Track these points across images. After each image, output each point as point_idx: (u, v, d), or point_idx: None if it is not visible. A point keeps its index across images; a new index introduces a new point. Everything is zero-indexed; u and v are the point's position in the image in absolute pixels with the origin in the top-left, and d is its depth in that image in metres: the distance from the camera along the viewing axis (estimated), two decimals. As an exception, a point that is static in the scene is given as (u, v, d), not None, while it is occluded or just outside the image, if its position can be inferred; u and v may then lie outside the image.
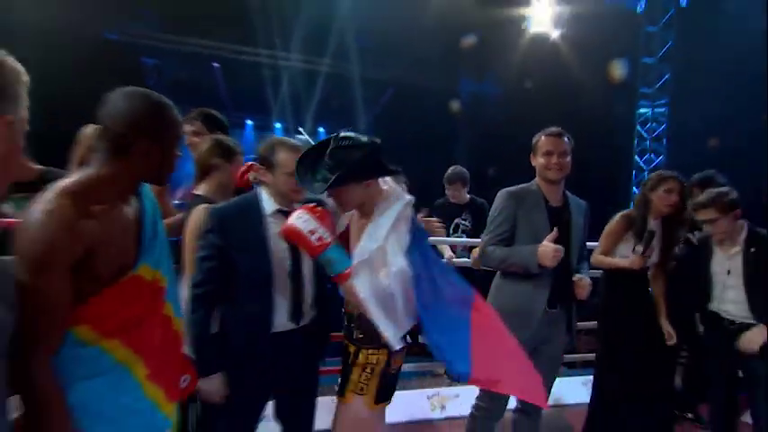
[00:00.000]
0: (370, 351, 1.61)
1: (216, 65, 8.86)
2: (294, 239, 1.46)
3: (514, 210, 1.99)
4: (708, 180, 2.74)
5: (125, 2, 7.38)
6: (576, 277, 1.98)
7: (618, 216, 2.54)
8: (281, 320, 1.64)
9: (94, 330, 1.06)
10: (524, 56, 7.58)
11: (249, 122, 10.59)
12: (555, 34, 7.38)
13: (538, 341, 1.96)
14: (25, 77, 0.92)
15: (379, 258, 1.45)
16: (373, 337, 1.54)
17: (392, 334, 1.45)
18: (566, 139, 2.04)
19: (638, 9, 7.23)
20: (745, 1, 6.31)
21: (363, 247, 1.45)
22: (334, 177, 1.42)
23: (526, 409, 2.10)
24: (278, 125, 10.77)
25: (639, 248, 2.36)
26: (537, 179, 2.09)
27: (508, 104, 8.10)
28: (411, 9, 7.11)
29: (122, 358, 1.09)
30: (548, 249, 1.80)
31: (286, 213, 1.59)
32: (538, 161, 2.05)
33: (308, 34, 7.94)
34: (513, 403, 2.19)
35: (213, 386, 1.60)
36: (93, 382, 1.05)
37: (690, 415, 3.01)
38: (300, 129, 10.79)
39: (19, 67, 0.91)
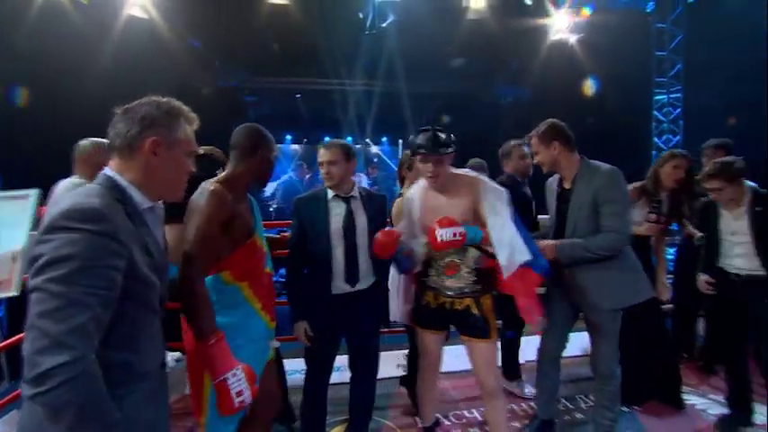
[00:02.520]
0: (486, 297, 1.95)
1: (298, 95, 10.58)
2: (449, 246, 1.80)
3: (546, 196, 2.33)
4: (721, 146, 2.94)
5: (227, 58, 9.16)
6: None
7: (631, 187, 2.57)
8: (339, 284, 1.98)
9: (232, 274, 1.56)
10: (549, 59, 8.53)
11: (326, 138, 12.02)
12: (572, 39, 8.36)
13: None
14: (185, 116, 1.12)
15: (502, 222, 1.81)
16: (489, 285, 1.93)
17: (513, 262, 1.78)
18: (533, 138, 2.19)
19: (648, 8, 8.09)
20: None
21: (494, 220, 1.81)
22: (451, 150, 1.84)
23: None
24: (349, 138, 12.55)
25: (652, 216, 2.56)
26: None
27: (540, 104, 8.94)
28: (446, 26, 7.89)
29: (248, 296, 1.60)
30: (541, 245, 1.99)
31: (342, 198, 2.01)
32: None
33: (366, 62, 9.25)
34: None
35: (300, 329, 1.99)
36: (232, 308, 1.56)
37: (685, 355, 3.21)
38: (368, 140, 12.31)
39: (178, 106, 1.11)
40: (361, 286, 2.01)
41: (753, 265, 2.34)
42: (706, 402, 2.75)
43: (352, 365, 2.17)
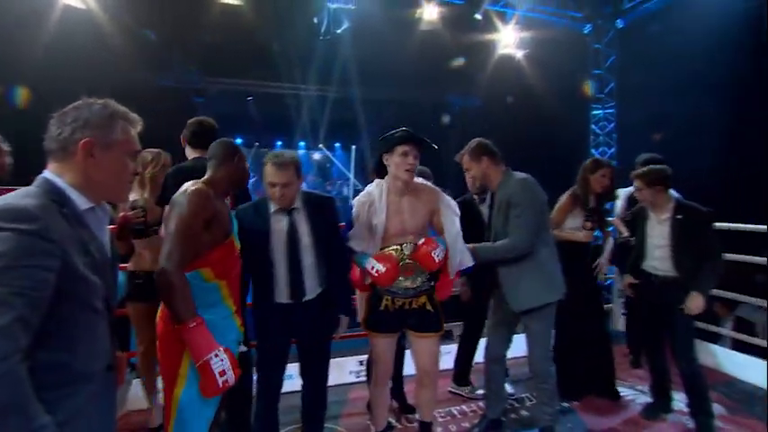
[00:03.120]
0: (434, 292, 2.09)
1: (249, 98, 10.34)
2: (440, 264, 1.98)
3: None
4: (648, 161, 2.99)
5: (175, 56, 8.75)
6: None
7: (566, 195, 2.82)
8: (283, 298, 1.94)
9: (213, 272, 1.59)
10: (497, 73, 8.99)
11: (279, 143, 12.18)
12: (519, 54, 8.89)
13: None
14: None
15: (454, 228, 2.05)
16: (436, 280, 2.08)
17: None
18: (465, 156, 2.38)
19: (585, 30, 8.75)
20: (668, 21, 7.72)
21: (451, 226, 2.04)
22: (432, 145, 2.02)
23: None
24: (301, 143, 12.40)
25: (587, 224, 2.72)
26: None
27: (488, 114, 9.56)
28: (399, 36, 8.03)
29: (225, 296, 1.65)
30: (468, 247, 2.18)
31: (285, 211, 1.94)
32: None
33: (320, 67, 9.11)
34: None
35: None
36: (211, 306, 1.57)
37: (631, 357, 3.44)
38: (321, 145, 12.19)
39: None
40: (307, 298, 1.97)
41: (667, 267, 2.52)
42: (634, 393, 2.98)
43: (304, 373, 2.13)
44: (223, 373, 1.41)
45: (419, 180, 2.10)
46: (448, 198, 2.10)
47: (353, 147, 13.33)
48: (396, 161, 1.96)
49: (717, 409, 2.62)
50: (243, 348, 1.79)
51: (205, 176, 1.71)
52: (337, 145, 13.66)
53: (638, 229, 2.69)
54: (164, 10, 7.37)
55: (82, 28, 6.65)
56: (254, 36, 8.09)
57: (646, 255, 2.63)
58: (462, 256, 2.07)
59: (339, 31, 8.12)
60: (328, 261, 2.01)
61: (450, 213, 2.05)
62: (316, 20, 8.13)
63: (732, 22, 6.88)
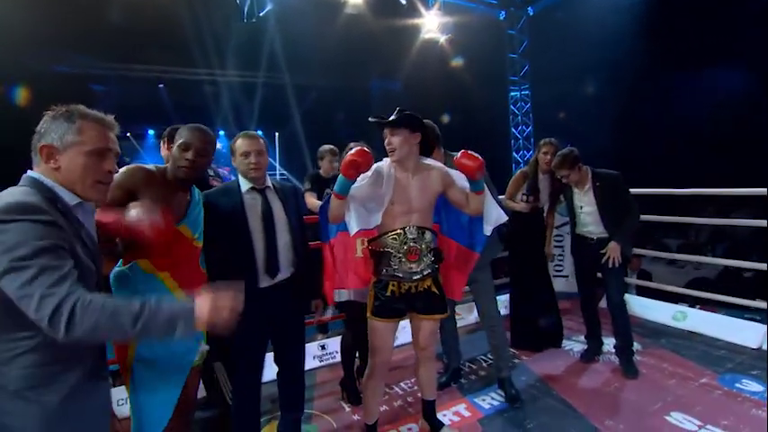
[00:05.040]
0: (438, 273, 2.07)
1: (161, 85, 9.56)
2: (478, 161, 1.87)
3: None
4: (548, 143, 3.16)
5: (71, 36, 7.66)
6: None
7: (518, 172, 3.25)
8: (260, 278, 1.92)
9: (152, 263, 1.53)
10: (420, 56, 9.25)
11: None
12: (442, 39, 9.23)
13: None
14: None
15: None
16: (438, 267, 2.07)
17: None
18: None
19: (501, 17, 9.32)
20: (572, 9, 8.51)
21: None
22: (409, 128, 1.92)
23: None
24: (221, 132, 11.85)
25: (523, 197, 3.06)
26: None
27: (410, 97, 9.76)
28: (323, 19, 8.02)
29: (171, 287, 1.57)
30: None
31: (257, 190, 1.93)
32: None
33: (241, 51, 8.76)
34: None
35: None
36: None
37: None
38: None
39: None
40: (281, 277, 1.99)
41: (600, 229, 2.85)
42: (571, 343, 3.38)
43: (279, 360, 2.13)
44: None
45: (429, 160, 2.08)
46: (454, 171, 2.03)
47: (276, 134, 12.92)
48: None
49: (634, 345, 3.05)
50: (205, 347, 1.73)
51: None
52: (259, 132, 13.07)
53: (568, 204, 3.01)
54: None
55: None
56: (165, 17, 7.45)
57: (578, 223, 2.97)
58: (498, 213, 2.09)
59: (261, 14, 7.76)
60: (300, 243, 2.04)
61: (462, 182, 2.00)
62: (238, 1, 7.67)
63: (624, 11, 7.76)
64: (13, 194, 1.03)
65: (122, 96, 9.21)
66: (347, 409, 2.64)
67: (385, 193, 1.96)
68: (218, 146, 1.96)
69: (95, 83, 8.93)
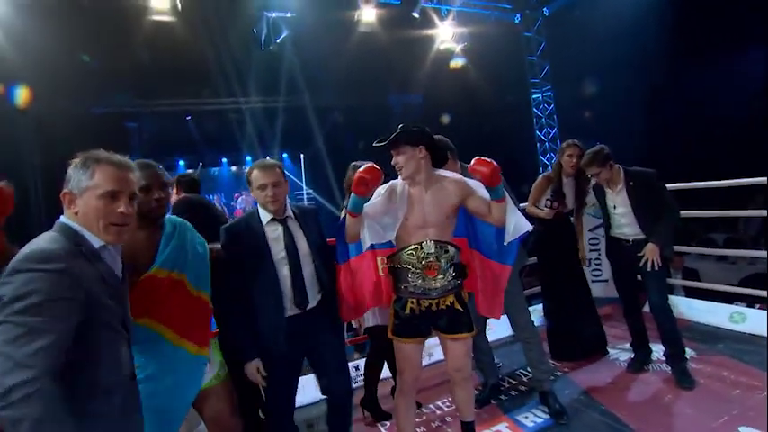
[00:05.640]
0: (462, 290, 1.99)
1: (188, 117, 9.99)
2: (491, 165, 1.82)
3: None
4: (572, 144, 3.04)
5: (104, 80, 8.18)
6: None
7: (540, 177, 3.11)
8: (288, 308, 1.89)
9: (133, 314, 1.36)
10: (436, 68, 9.27)
11: (224, 160, 11.80)
12: (458, 48, 9.20)
13: None
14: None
15: None
16: (464, 278, 1.98)
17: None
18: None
19: (516, 20, 9.23)
20: (588, 7, 8.32)
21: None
22: (411, 144, 1.87)
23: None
24: (248, 158, 12.10)
25: (548, 203, 2.96)
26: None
27: (431, 109, 9.74)
28: (340, 42, 8.25)
29: (159, 330, 1.51)
30: None
31: (278, 220, 1.91)
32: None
33: (261, 78, 9.09)
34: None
35: (252, 369, 1.84)
36: (144, 345, 1.46)
37: None
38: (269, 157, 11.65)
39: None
40: (310, 306, 1.95)
41: (636, 230, 2.71)
42: (616, 351, 3.17)
43: (324, 389, 2.13)
44: None
45: (444, 173, 2.02)
46: (471, 180, 1.96)
47: (302, 156, 13.16)
48: None
49: (687, 352, 2.82)
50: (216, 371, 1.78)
51: None
52: (285, 156, 13.39)
53: (601, 206, 2.87)
54: (90, 33, 6.90)
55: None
56: (188, 53, 7.77)
57: (612, 225, 2.82)
58: (517, 222, 1.94)
59: (278, 41, 7.99)
60: (324, 269, 2.00)
61: (482, 190, 1.91)
62: (255, 30, 7.94)
63: (642, 2, 7.51)
64: (39, 242, 1.10)
65: (153, 131, 9.77)
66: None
67: (399, 208, 1.91)
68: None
69: (129, 120, 9.39)
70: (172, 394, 1.53)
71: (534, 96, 9.33)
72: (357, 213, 1.86)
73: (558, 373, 2.95)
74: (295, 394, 2.03)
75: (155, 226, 1.60)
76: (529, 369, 2.87)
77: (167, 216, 1.67)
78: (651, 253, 2.60)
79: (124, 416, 1.20)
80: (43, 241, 1.10)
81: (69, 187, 1.18)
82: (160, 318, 1.52)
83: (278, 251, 1.90)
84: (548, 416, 2.49)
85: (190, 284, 1.62)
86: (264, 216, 1.93)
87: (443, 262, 1.90)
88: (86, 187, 1.16)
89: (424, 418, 2.63)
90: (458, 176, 2.01)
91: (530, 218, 2.96)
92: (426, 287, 1.90)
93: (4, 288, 1.01)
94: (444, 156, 2.14)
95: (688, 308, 3.63)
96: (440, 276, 1.90)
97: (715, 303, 3.54)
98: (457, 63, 9.02)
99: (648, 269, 2.63)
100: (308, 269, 1.95)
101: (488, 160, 1.80)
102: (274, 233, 1.91)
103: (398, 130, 1.88)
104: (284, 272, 1.90)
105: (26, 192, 7.23)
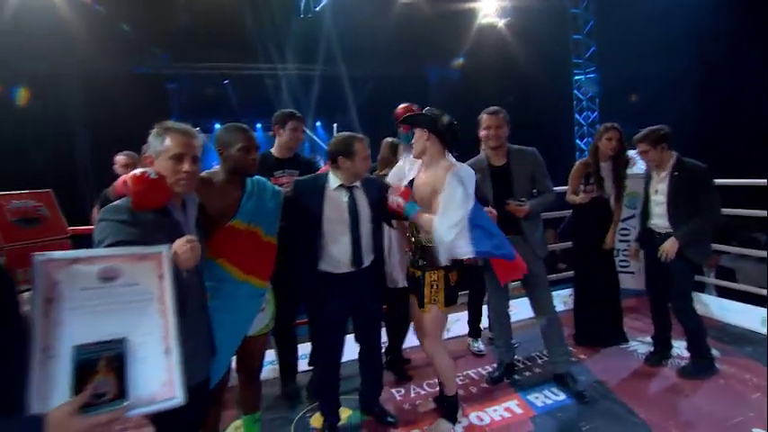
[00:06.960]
0: (431, 273, 2.09)
1: (226, 81, 10.04)
2: (392, 211, 2.07)
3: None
4: (611, 128, 2.94)
5: (147, 41, 8.44)
6: (510, 202, 2.45)
7: (577, 163, 3.05)
8: (344, 267, 2.10)
9: (212, 254, 1.71)
10: (477, 42, 8.99)
11: (258, 125, 12.12)
12: (501, 23, 8.86)
13: None
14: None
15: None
16: (433, 262, 2.05)
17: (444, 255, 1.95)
18: (501, 114, 2.52)
19: (563, -4, 8.74)
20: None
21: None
22: (416, 126, 2.05)
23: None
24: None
25: (582, 188, 2.92)
26: (483, 147, 2.64)
27: (468, 84, 9.50)
28: (378, 10, 8.17)
29: (229, 270, 1.78)
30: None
31: (346, 188, 2.09)
32: (481, 133, 2.59)
33: (299, 45, 9.09)
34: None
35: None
36: (217, 281, 1.71)
37: None
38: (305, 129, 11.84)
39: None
40: (364, 265, 2.15)
41: (666, 223, 2.60)
42: (636, 344, 3.16)
43: (360, 338, 2.32)
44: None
45: (449, 159, 2.06)
46: (457, 176, 1.96)
47: (335, 125, 13.15)
48: None
49: (713, 352, 2.78)
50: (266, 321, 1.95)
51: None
52: (318, 124, 13.43)
53: (644, 190, 2.78)
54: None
55: (46, 18, 6.31)
56: (227, 17, 7.81)
57: (650, 214, 2.73)
58: (444, 244, 1.90)
59: (318, 9, 7.88)
60: (381, 233, 2.23)
61: (449, 196, 1.92)
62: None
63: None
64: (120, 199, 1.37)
65: (191, 93, 9.93)
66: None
67: (407, 177, 2.18)
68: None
69: (169, 81, 9.56)
70: (230, 327, 1.75)
71: (576, 78, 8.91)
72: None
73: (575, 359, 2.96)
74: (343, 346, 2.23)
75: (241, 181, 1.85)
76: (545, 352, 2.91)
77: None
78: (669, 246, 2.54)
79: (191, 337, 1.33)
80: (124, 198, 1.36)
81: (149, 152, 1.43)
82: (234, 260, 1.78)
83: (342, 216, 2.08)
84: (559, 398, 2.53)
85: (262, 232, 1.87)
86: (334, 181, 2.09)
87: (414, 241, 2.13)
88: (160, 151, 1.40)
89: (423, 393, 2.69)
90: (448, 172, 1.98)
91: (569, 205, 3.09)
92: (410, 257, 2.22)
93: (95, 232, 1.30)
94: (451, 141, 2.10)
95: (720, 308, 3.53)
96: (413, 251, 2.17)
97: (748, 306, 3.41)
98: (518, 47, 8.64)
99: (661, 261, 2.59)
100: (366, 235, 2.13)
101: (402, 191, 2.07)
102: (340, 198, 2.09)
103: (414, 113, 2.11)
104: (346, 236, 2.08)
105: (73, 148, 7.60)
